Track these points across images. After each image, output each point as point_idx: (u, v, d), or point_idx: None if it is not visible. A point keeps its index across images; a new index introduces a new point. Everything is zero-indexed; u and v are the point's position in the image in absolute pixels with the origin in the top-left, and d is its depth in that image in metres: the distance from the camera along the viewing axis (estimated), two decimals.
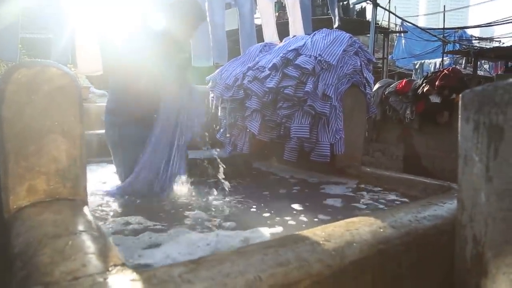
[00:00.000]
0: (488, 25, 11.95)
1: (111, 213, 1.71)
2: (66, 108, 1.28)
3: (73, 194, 1.29)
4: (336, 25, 5.22)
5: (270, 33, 4.92)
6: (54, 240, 0.92)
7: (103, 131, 2.14)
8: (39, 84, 1.23)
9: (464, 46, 11.73)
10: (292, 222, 1.62)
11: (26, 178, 1.22)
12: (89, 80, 6.78)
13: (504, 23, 10.09)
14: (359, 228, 1.11)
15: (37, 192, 1.23)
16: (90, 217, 1.15)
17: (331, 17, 5.73)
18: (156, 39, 2.04)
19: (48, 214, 1.12)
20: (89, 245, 0.91)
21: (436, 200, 1.49)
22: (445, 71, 4.07)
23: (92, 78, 6.28)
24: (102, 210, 1.75)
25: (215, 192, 2.04)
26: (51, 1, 3.97)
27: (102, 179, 2.25)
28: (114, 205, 1.84)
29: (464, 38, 13.76)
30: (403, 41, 14.00)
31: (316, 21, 6.80)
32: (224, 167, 2.14)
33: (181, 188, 2.09)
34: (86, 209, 1.22)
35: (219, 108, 3.09)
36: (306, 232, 1.06)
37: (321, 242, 0.99)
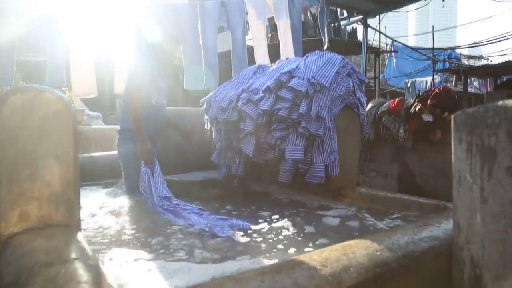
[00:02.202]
0: (477, 45, 12.21)
1: None
2: (60, 132, 1.28)
3: (66, 220, 1.27)
4: (325, 46, 5.30)
5: (262, 56, 4.98)
6: (45, 268, 0.90)
7: (97, 154, 2.15)
8: (34, 109, 1.23)
9: (453, 64, 11.93)
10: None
11: (18, 204, 1.20)
12: (84, 102, 6.79)
13: (491, 43, 10.32)
14: (356, 251, 1.10)
15: (29, 218, 1.21)
16: (83, 243, 1.13)
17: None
18: (154, 60, 2.24)
19: (40, 241, 1.10)
20: (82, 273, 0.89)
21: (432, 220, 1.49)
22: (436, 90, 4.12)
23: (86, 100, 6.28)
24: None
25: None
26: (45, 23, 3.99)
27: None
28: None
29: (454, 56, 14.01)
30: (394, 60, 14.22)
31: (308, 42, 6.90)
32: None
33: None
34: (79, 235, 1.21)
35: (214, 130, 3.09)
36: (302, 257, 1.04)
37: (318, 267, 0.98)
